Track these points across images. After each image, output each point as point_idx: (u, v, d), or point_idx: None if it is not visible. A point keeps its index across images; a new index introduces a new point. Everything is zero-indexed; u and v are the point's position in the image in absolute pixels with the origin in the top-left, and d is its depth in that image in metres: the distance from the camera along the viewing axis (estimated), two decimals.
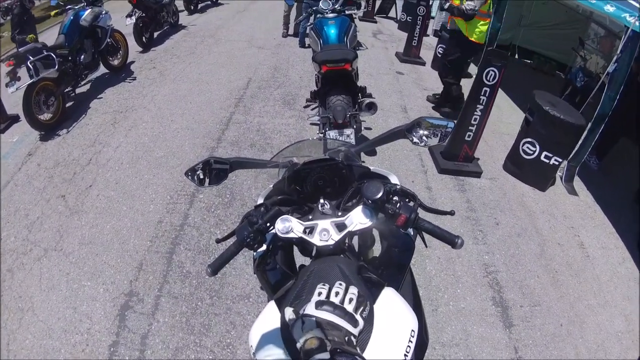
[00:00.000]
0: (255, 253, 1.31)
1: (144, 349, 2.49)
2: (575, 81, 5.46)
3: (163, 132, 4.68)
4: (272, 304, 1.10)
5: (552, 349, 2.71)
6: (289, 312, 0.85)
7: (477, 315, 2.84)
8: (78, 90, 5.43)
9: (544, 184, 4.15)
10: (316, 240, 1.17)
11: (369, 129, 4.61)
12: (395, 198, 1.15)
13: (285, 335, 0.95)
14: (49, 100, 4.59)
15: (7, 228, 3.36)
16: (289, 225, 1.18)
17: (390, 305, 1.04)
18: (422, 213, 1.16)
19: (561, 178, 4.30)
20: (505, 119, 5.52)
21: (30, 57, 4.24)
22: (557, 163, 3.98)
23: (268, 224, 1.20)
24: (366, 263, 1.33)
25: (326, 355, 0.69)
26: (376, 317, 0.96)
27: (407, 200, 1.18)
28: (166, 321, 2.65)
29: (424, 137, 1.37)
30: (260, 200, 1.45)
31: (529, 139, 4.05)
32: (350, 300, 0.82)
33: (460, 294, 2.98)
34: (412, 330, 0.99)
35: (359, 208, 1.19)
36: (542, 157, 3.99)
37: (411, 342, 0.96)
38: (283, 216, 1.19)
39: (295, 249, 1.42)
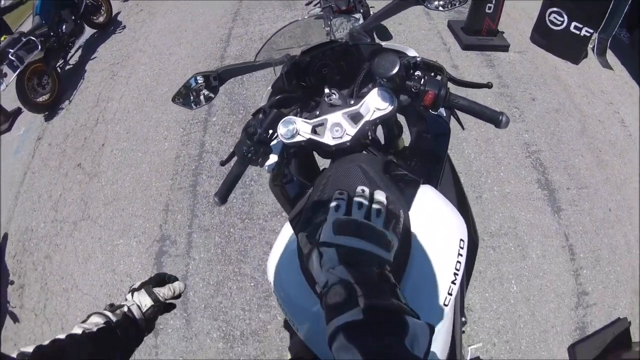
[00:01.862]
0: (267, 166, 1.15)
1: (186, 291, 2.48)
2: None
3: (163, 68, 4.51)
4: (287, 227, 0.93)
5: (602, 236, 2.60)
6: (303, 241, 0.67)
7: (523, 200, 2.71)
8: (71, 60, 5.29)
9: (576, 56, 3.83)
10: (328, 139, 0.97)
11: None
12: (418, 73, 0.94)
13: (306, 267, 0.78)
14: (43, 80, 4.47)
15: (35, 217, 3.39)
16: (293, 128, 0.98)
17: (430, 209, 0.86)
18: (453, 88, 0.95)
19: (593, 51, 3.96)
20: None
21: (11, 50, 4.08)
22: (588, 34, 3.63)
23: (270, 131, 1.02)
24: (396, 156, 1.14)
25: (358, 314, 0.51)
26: (414, 228, 0.78)
27: (432, 74, 0.96)
28: (202, 257, 2.64)
29: (435, 2, 1.12)
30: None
31: (555, 9, 3.69)
32: (378, 212, 0.64)
33: (504, 177, 2.84)
34: (461, 240, 0.81)
35: (374, 91, 0.96)
36: (571, 28, 3.65)
37: (461, 255, 0.79)
38: (285, 118, 0.99)
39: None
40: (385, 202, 0.66)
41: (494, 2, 3.70)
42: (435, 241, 0.80)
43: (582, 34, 3.62)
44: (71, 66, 5.21)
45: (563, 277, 2.45)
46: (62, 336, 0.73)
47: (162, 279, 1.01)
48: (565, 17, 3.63)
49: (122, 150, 3.60)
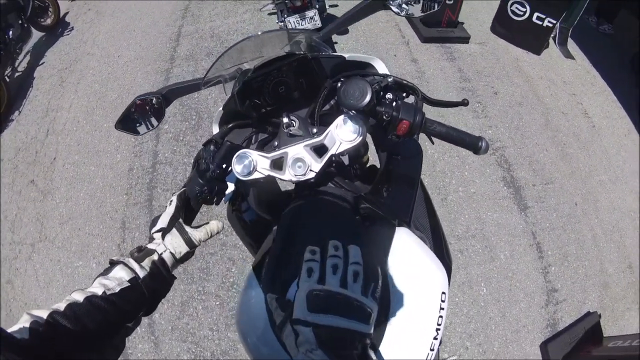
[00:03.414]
0: (223, 198, 1.02)
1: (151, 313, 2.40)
2: None
3: (112, 72, 4.29)
4: (252, 277, 0.85)
5: (569, 232, 2.64)
6: (273, 305, 0.62)
7: (489, 200, 2.71)
8: (19, 67, 4.94)
9: (538, 47, 3.84)
10: (289, 175, 0.86)
11: (335, 5, 3.91)
12: (389, 95, 0.84)
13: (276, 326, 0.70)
14: None
15: None
16: (249, 163, 0.86)
17: (409, 259, 0.79)
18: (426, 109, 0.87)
19: (554, 40, 3.98)
20: None
21: None
22: (550, 25, 3.64)
23: (224, 166, 0.91)
24: (363, 178, 1.07)
25: None
26: (391, 282, 0.73)
27: (404, 94, 0.87)
28: None
29: (404, 5, 0.99)
30: (215, 129, 1.13)
31: None
32: (356, 275, 0.58)
33: (469, 177, 2.83)
34: (443, 293, 0.76)
35: (340, 120, 0.83)
36: (534, 18, 3.65)
37: (443, 309, 0.74)
38: (239, 153, 0.87)
39: None
40: (361, 261, 0.59)
41: None
42: (416, 297, 0.75)
43: (544, 24, 3.63)
44: (20, 73, 4.89)
45: (532, 275, 2.47)
46: (79, 298, 0.65)
47: (186, 201, 0.89)
48: (528, 7, 3.63)
49: (74, 164, 3.42)
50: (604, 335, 2.21)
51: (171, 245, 0.81)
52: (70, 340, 0.60)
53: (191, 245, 0.83)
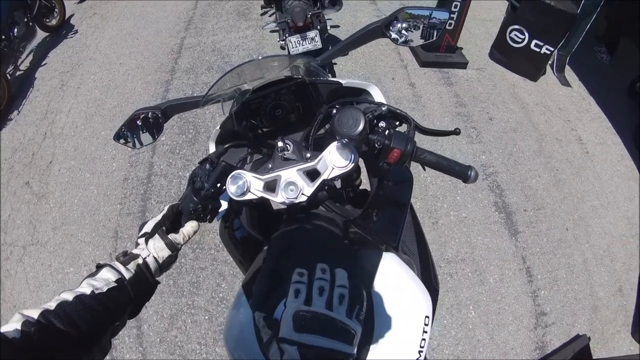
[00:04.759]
0: (216, 216, 1.04)
1: (140, 324, 2.43)
2: None
3: (113, 79, 4.28)
4: (241, 295, 0.86)
5: (559, 256, 2.65)
6: (261, 323, 0.63)
7: (480, 224, 2.72)
8: (21, 66, 4.93)
9: (535, 73, 3.90)
10: (281, 198, 0.87)
11: (337, 26, 3.95)
12: (382, 124, 0.87)
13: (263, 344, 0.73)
14: None
15: None
16: (243, 184, 0.87)
17: (394, 283, 0.81)
18: (418, 137, 0.90)
19: (552, 68, 4.04)
20: (484, 4, 5.00)
21: None
22: (548, 52, 3.70)
23: (218, 185, 0.93)
24: (354, 201, 1.09)
25: None
26: (376, 305, 0.74)
27: (397, 122, 0.90)
28: None
29: (403, 32, 1.02)
30: (212, 147, 1.15)
31: (517, 26, 3.74)
32: (341, 298, 0.60)
33: (460, 201, 2.84)
34: (426, 317, 0.77)
35: (333, 147, 0.86)
36: (532, 46, 3.71)
37: (426, 332, 0.75)
38: (234, 173, 0.88)
39: None
40: (347, 285, 0.61)
41: (455, 17, 3.67)
42: (399, 320, 0.76)
43: (542, 52, 3.68)
44: (22, 72, 4.87)
45: (521, 299, 2.48)
46: (69, 297, 0.68)
47: (176, 214, 0.93)
48: (527, 34, 3.68)
49: (69, 169, 3.41)
50: (593, 358, 2.23)
51: (154, 249, 0.85)
52: (61, 339, 0.62)
53: (173, 248, 0.87)
